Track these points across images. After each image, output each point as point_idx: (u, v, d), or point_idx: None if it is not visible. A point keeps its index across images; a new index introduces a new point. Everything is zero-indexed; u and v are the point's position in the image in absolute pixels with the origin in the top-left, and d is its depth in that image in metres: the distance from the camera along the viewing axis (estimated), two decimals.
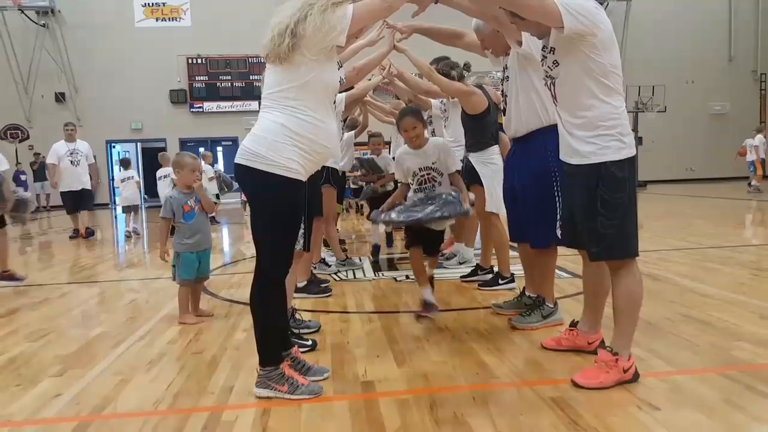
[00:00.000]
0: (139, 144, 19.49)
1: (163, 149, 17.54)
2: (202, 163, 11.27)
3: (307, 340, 3.05)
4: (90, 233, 8.88)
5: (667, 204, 11.97)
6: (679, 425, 2.03)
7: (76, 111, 17.51)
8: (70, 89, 17.77)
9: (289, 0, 2.31)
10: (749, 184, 14.03)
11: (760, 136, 14.45)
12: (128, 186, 9.49)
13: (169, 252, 3.80)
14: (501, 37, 3.17)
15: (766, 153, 14.39)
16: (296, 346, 2.68)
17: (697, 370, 2.54)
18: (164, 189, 9.85)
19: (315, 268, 4.91)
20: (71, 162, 8.66)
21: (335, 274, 5.05)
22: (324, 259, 5.20)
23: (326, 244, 5.69)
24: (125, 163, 9.90)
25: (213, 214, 10.34)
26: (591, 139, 2.37)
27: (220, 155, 18.64)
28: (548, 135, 2.95)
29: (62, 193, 8.84)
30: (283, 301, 2.49)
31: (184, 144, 18.09)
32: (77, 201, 8.84)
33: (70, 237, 8.95)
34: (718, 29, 19.97)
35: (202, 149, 17.84)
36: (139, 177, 19.48)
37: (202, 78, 18.30)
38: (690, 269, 4.76)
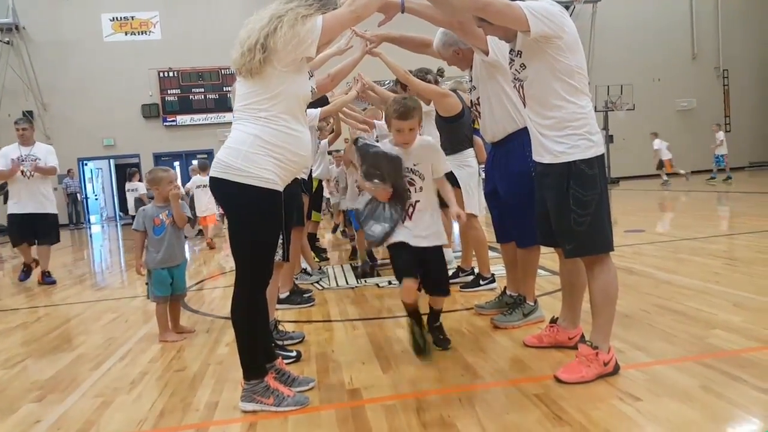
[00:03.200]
0: (112, 160, 19.22)
1: (137, 165, 17.36)
2: (179, 176, 11.75)
3: (292, 351, 3.04)
4: (49, 280, 6.26)
5: (639, 199, 12.20)
6: (660, 414, 2.07)
7: (45, 129, 17.18)
8: (38, 107, 17.43)
9: (257, 12, 2.32)
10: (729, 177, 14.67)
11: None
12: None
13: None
14: (461, 57, 3.34)
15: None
16: (280, 357, 2.67)
17: (675, 360, 2.60)
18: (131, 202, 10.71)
19: (297, 278, 4.90)
20: (23, 173, 6.10)
21: (317, 282, 5.04)
22: (305, 269, 5.18)
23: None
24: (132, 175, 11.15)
25: (204, 228, 10.60)
26: (560, 138, 2.42)
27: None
28: (525, 137, 3.01)
29: (10, 216, 6.22)
30: (265, 312, 2.49)
31: (158, 159, 17.88)
32: (30, 229, 6.17)
33: (20, 279, 6.33)
34: (682, 29, 20.51)
35: (177, 163, 17.70)
36: (113, 193, 19.42)
37: (174, 91, 18.12)
38: (664, 261, 4.86)
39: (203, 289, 5.36)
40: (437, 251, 2.89)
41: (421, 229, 2.83)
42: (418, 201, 2.86)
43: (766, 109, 21.14)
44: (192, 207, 10.96)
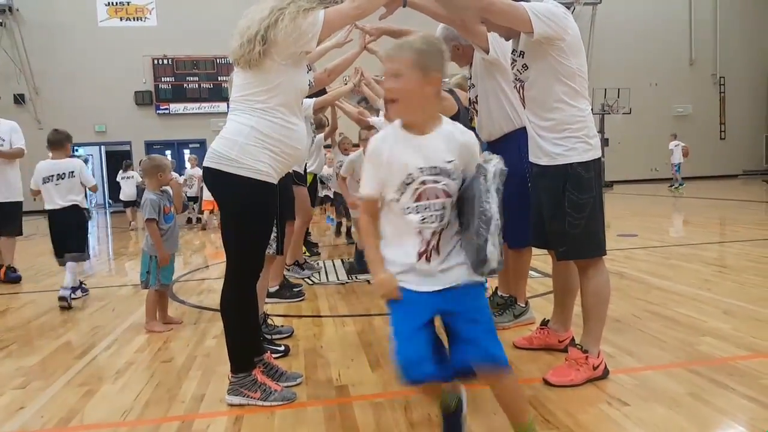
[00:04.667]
0: (103, 147, 19.06)
1: (128, 152, 17.24)
2: (188, 165, 12.34)
3: (280, 345, 3.02)
4: (13, 276, 5.56)
5: (632, 203, 12.25)
6: (647, 420, 2.07)
7: (36, 113, 17.02)
8: (29, 90, 17.24)
9: (257, 3, 2.28)
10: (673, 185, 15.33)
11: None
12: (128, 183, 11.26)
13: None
14: (460, 53, 3.29)
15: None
16: (269, 351, 2.65)
17: (663, 366, 2.60)
18: (129, 189, 11.19)
19: (288, 271, 4.87)
20: None
21: (309, 278, 5.00)
22: (297, 262, 5.14)
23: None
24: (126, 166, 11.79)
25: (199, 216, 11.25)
26: (558, 141, 2.41)
27: (187, 158, 18.37)
28: (521, 137, 2.99)
29: None
30: (255, 306, 2.46)
31: (149, 147, 17.74)
32: None
33: None
34: (680, 34, 20.60)
35: (168, 152, 17.58)
36: (103, 181, 19.45)
37: (168, 79, 17.96)
38: (655, 267, 4.87)
39: (192, 280, 5.32)
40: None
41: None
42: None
43: (760, 118, 21.29)
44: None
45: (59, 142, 4.63)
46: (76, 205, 4.60)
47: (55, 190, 4.53)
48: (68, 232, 4.53)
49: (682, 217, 9.49)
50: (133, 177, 11.30)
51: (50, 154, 4.67)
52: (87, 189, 4.87)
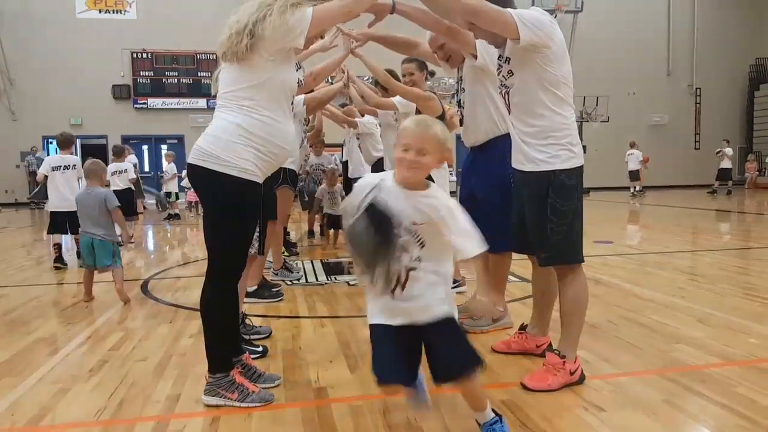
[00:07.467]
0: (78, 141, 18.68)
1: (104, 146, 16.92)
2: (165, 162, 12.11)
3: (258, 346, 2.99)
4: None
5: (609, 211, 12.44)
6: (622, 425, 2.10)
7: (11, 104, 16.65)
8: (4, 82, 16.85)
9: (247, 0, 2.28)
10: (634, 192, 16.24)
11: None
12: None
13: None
14: (449, 54, 3.26)
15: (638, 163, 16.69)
16: (247, 352, 2.62)
17: (639, 372, 2.64)
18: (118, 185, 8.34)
19: (277, 274, 4.82)
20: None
21: (297, 280, 4.90)
22: (285, 265, 5.05)
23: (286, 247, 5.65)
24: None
25: (176, 212, 11.64)
26: (542, 147, 2.44)
27: (164, 154, 18.13)
28: (507, 142, 3.01)
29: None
30: (235, 305, 2.43)
31: (126, 141, 17.43)
32: None
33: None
34: (658, 45, 21.03)
35: (145, 147, 17.34)
36: (81, 174, 19.11)
37: (147, 73, 17.71)
38: (631, 274, 4.95)
39: (167, 278, 5.24)
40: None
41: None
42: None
43: (734, 128, 21.82)
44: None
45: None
46: None
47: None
48: None
49: (656, 225, 9.65)
50: (126, 171, 8.60)
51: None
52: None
